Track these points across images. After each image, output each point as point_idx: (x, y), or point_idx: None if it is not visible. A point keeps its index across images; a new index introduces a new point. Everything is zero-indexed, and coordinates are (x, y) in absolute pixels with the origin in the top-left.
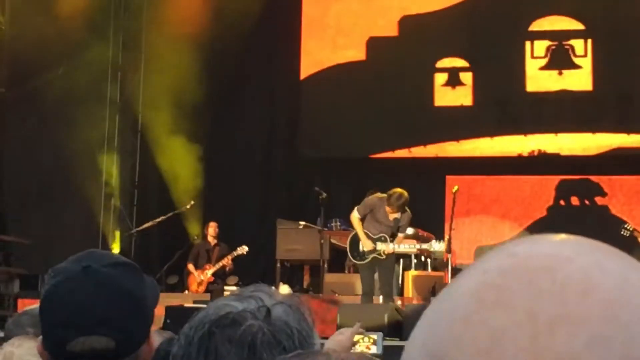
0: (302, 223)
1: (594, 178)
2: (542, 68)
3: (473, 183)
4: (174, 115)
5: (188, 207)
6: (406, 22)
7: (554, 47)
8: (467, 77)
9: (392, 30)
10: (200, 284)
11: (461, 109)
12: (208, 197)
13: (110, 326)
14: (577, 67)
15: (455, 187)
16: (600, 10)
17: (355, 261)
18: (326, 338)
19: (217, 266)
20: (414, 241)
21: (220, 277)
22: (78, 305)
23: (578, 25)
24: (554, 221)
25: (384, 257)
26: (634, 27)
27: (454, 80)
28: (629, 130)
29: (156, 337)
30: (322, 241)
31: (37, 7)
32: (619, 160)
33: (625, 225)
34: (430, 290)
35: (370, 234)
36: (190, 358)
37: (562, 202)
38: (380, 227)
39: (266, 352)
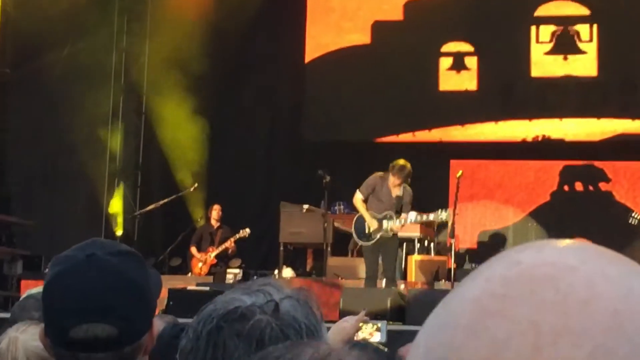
0: (306, 206)
1: (598, 164)
2: (547, 53)
3: (477, 168)
4: (178, 98)
5: (192, 189)
6: (411, 6)
7: (559, 32)
8: (472, 62)
9: (397, 14)
10: (203, 266)
11: (466, 93)
12: (212, 180)
13: (114, 314)
14: (582, 52)
15: (460, 172)
16: None
17: (362, 242)
18: (329, 322)
19: (220, 249)
20: (418, 226)
21: (223, 259)
22: (82, 292)
23: (583, 11)
24: (557, 206)
25: (391, 234)
26: None
27: (458, 65)
28: (633, 116)
29: (158, 322)
30: (326, 224)
31: None
32: (623, 146)
33: (633, 214)
34: (434, 275)
35: (374, 215)
36: (199, 352)
37: (566, 188)
38: (383, 205)
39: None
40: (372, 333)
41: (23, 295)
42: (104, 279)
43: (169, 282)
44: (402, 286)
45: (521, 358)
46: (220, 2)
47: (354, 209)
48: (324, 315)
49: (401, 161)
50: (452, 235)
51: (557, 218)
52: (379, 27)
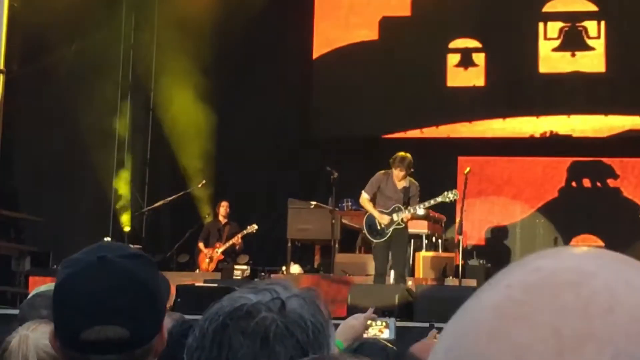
0: (313, 203)
1: (606, 160)
2: (555, 49)
3: (485, 164)
4: (186, 94)
5: (199, 186)
6: (419, 2)
7: (567, 29)
8: (479, 58)
9: (405, 10)
10: (210, 262)
11: (473, 89)
12: (219, 177)
13: (125, 316)
14: (590, 48)
15: (467, 169)
16: None
17: (375, 240)
18: (337, 319)
19: (227, 245)
20: (426, 223)
21: (231, 255)
22: (93, 294)
23: (591, 7)
24: (565, 203)
25: (403, 225)
26: None
27: (466, 61)
28: None
29: (166, 320)
30: (333, 221)
31: None
32: (631, 142)
33: None
34: (442, 271)
35: (383, 211)
36: (204, 350)
37: (573, 184)
38: (391, 202)
39: (279, 345)
40: (381, 330)
41: (31, 293)
42: (115, 281)
43: (177, 279)
44: (409, 282)
45: None
46: None
47: (361, 207)
48: (331, 312)
49: (400, 153)
50: (460, 232)
51: (565, 214)
52: (386, 23)
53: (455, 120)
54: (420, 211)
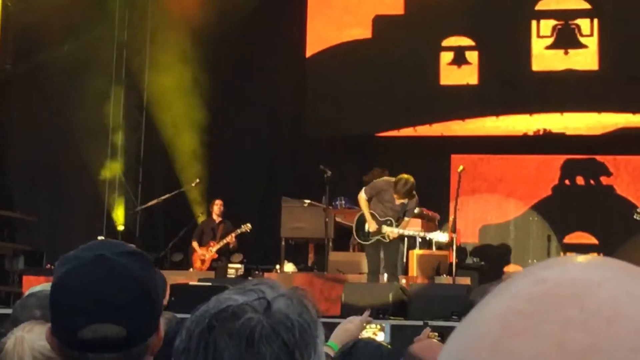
0: (307, 201)
1: (599, 158)
2: (548, 47)
3: (478, 162)
4: (180, 93)
5: (193, 184)
6: (412, 1)
7: (560, 27)
8: (473, 56)
9: (398, 9)
10: (204, 261)
11: (467, 87)
12: (213, 175)
13: (122, 314)
14: (583, 46)
15: (461, 167)
16: None
17: (360, 241)
18: (331, 317)
19: (221, 243)
20: (420, 221)
21: (225, 254)
22: (90, 292)
23: (584, 5)
24: (559, 201)
25: (388, 240)
26: None
27: (459, 59)
28: (634, 110)
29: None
30: (327, 219)
31: None
32: (624, 140)
33: (638, 209)
34: (435, 270)
35: (376, 215)
36: (191, 352)
37: (567, 182)
38: (386, 209)
39: (265, 346)
40: (375, 333)
41: (25, 294)
42: (113, 279)
43: (171, 278)
44: (403, 281)
45: None
46: None
47: (355, 204)
48: (325, 310)
49: (404, 176)
50: (454, 230)
51: (558, 212)
52: (380, 22)
53: (449, 119)
54: (408, 232)
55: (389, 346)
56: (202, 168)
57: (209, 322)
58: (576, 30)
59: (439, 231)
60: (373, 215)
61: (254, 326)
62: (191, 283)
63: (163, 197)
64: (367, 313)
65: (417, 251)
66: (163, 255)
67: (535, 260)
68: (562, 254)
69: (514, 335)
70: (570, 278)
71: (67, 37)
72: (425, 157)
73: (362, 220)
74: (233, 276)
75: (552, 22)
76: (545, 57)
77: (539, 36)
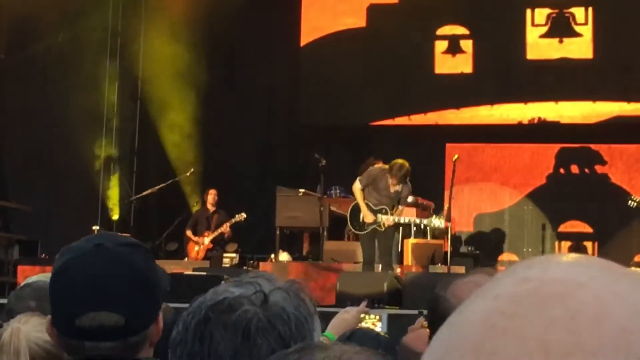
0: (302, 190)
1: (593, 146)
2: (543, 36)
3: (473, 151)
4: (174, 82)
5: (188, 174)
6: None
7: (554, 15)
8: (467, 45)
9: None
10: (198, 250)
11: (461, 76)
12: (208, 164)
13: (120, 303)
14: (577, 35)
15: (455, 156)
16: None
17: (355, 231)
18: (326, 306)
19: (216, 233)
20: (414, 210)
21: (219, 244)
22: (89, 280)
23: None
24: (553, 189)
25: (383, 229)
26: None
27: (454, 48)
28: (629, 99)
29: None
30: (322, 208)
31: None
32: (619, 129)
33: (632, 197)
34: (430, 258)
35: (370, 205)
36: (187, 344)
37: (562, 170)
38: (380, 197)
39: (261, 338)
40: (375, 323)
41: (20, 284)
42: (112, 268)
43: (166, 267)
44: (398, 270)
45: None
46: None
47: (350, 193)
48: (320, 299)
49: (399, 161)
50: (449, 219)
51: (553, 201)
52: (374, 11)
53: (443, 107)
54: (404, 219)
55: (387, 336)
56: (196, 157)
57: (205, 314)
58: (571, 19)
59: (434, 217)
60: (368, 206)
61: (250, 318)
62: (186, 272)
63: (158, 187)
64: (364, 303)
65: (412, 240)
66: (158, 244)
67: (530, 249)
68: (556, 242)
69: (498, 336)
70: (555, 277)
71: (61, 27)
72: (420, 146)
73: (356, 210)
74: (228, 266)
75: (546, 11)
76: (539, 45)
77: (533, 25)
